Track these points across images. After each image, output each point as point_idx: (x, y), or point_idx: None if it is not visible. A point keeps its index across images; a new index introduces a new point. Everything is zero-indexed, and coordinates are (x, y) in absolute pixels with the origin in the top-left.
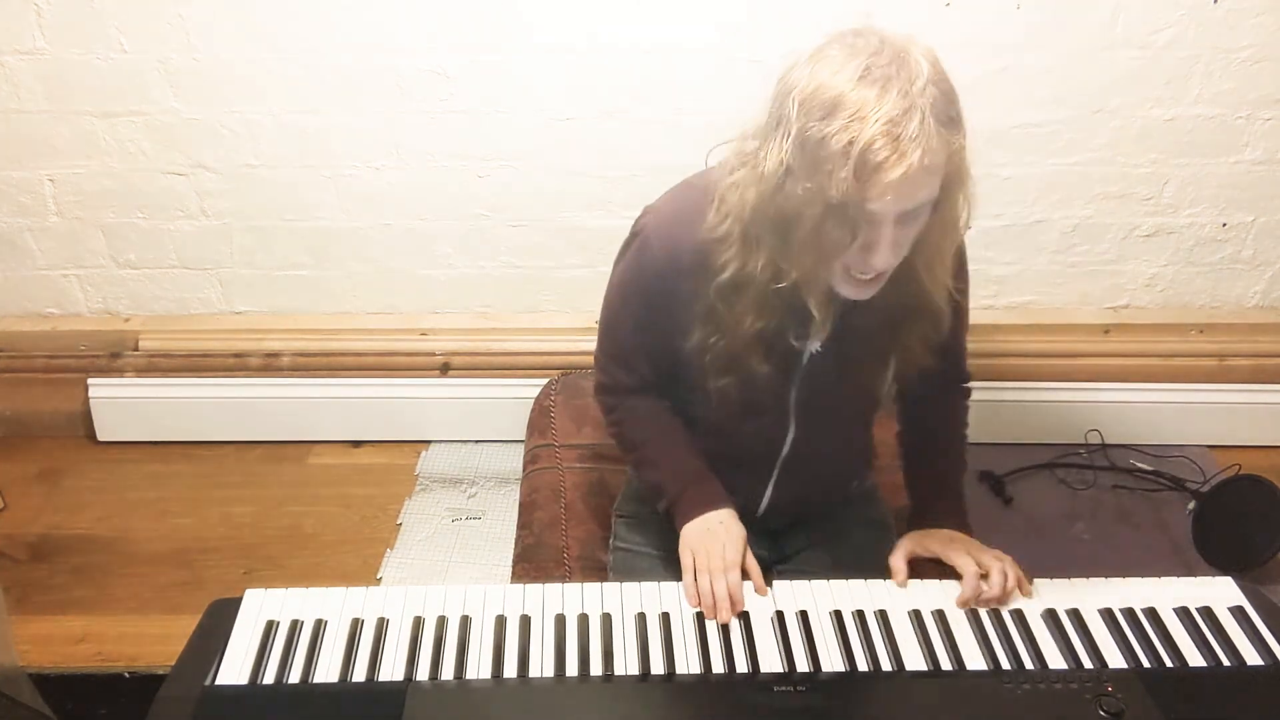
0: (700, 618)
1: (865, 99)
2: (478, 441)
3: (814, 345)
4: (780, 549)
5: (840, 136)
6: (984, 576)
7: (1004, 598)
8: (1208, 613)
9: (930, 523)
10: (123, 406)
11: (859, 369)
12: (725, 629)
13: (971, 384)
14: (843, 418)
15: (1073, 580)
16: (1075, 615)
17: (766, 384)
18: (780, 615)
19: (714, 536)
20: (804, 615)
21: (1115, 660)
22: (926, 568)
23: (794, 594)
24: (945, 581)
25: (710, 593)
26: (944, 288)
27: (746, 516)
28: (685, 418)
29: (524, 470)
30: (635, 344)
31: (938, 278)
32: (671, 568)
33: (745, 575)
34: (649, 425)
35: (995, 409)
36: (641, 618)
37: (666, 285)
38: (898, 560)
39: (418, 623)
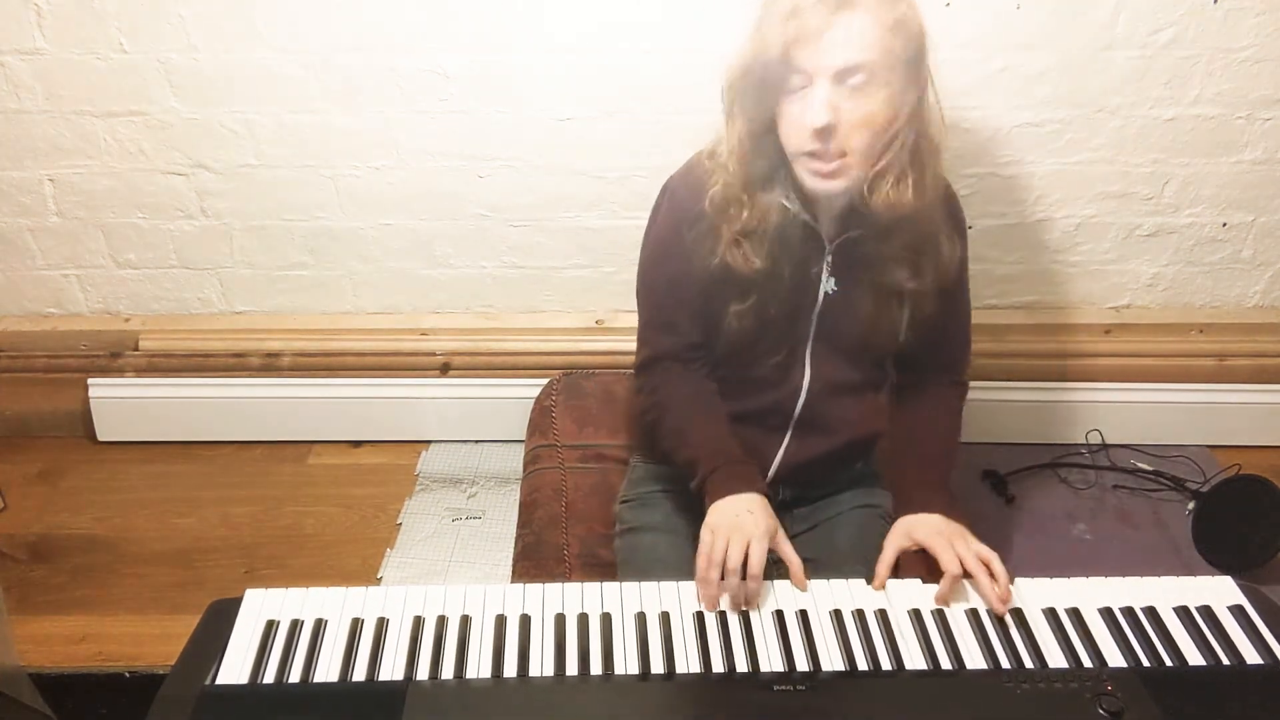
0: (700, 617)
1: None
2: (478, 441)
3: (829, 285)
4: (784, 522)
5: (773, 4)
6: (968, 577)
7: (995, 600)
8: (1207, 612)
9: (916, 507)
10: (123, 406)
11: (872, 315)
12: (725, 628)
13: (969, 382)
14: (855, 371)
15: (1073, 580)
16: (1075, 614)
17: (782, 321)
18: (780, 614)
19: (741, 527)
20: (804, 615)
21: (1115, 659)
22: (925, 567)
23: (794, 593)
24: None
25: (720, 587)
26: (939, 223)
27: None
28: (718, 392)
29: (524, 470)
30: (674, 302)
31: (930, 210)
32: (676, 547)
33: (779, 571)
34: (691, 406)
35: (996, 409)
36: (641, 617)
37: (690, 215)
38: (883, 566)
39: (418, 622)
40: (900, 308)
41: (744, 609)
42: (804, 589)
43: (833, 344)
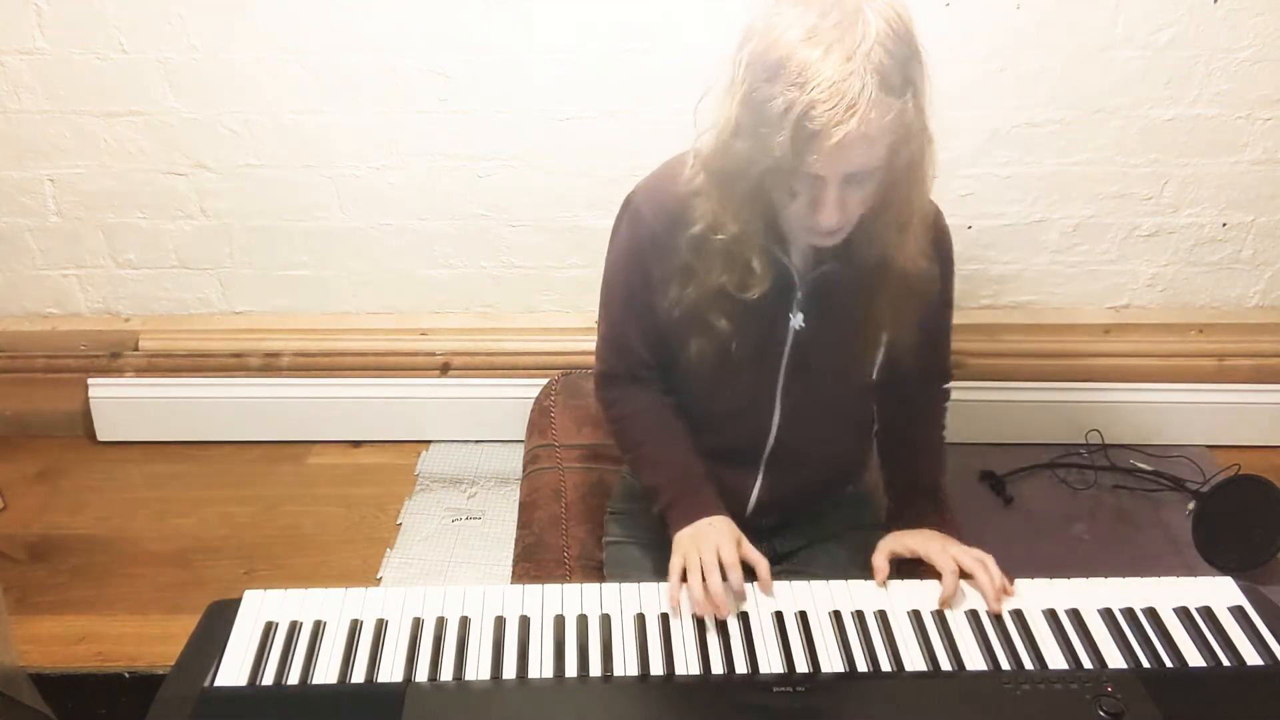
0: (700, 619)
1: (807, 61)
2: (478, 441)
3: (797, 321)
4: (774, 549)
5: (780, 101)
6: (966, 577)
7: (994, 597)
8: (1207, 613)
9: (909, 522)
10: (123, 406)
11: (845, 350)
12: (725, 630)
13: (952, 385)
14: (829, 406)
15: (1073, 580)
16: (1075, 615)
17: (750, 362)
18: (779, 616)
19: (707, 540)
20: (803, 616)
21: (1115, 660)
22: (927, 568)
23: (793, 594)
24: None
25: (702, 591)
26: (920, 254)
27: (735, 516)
28: (677, 407)
29: (524, 470)
30: (630, 321)
31: (910, 242)
32: (662, 561)
33: (749, 571)
34: (647, 423)
35: (995, 409)
36: (640, 618)
37: (658, 244)
38: (880, 559)
39: (416, 623)
40: (878, 337)
41: (736, 609)
42: (768, 591)
43: (806, 380)
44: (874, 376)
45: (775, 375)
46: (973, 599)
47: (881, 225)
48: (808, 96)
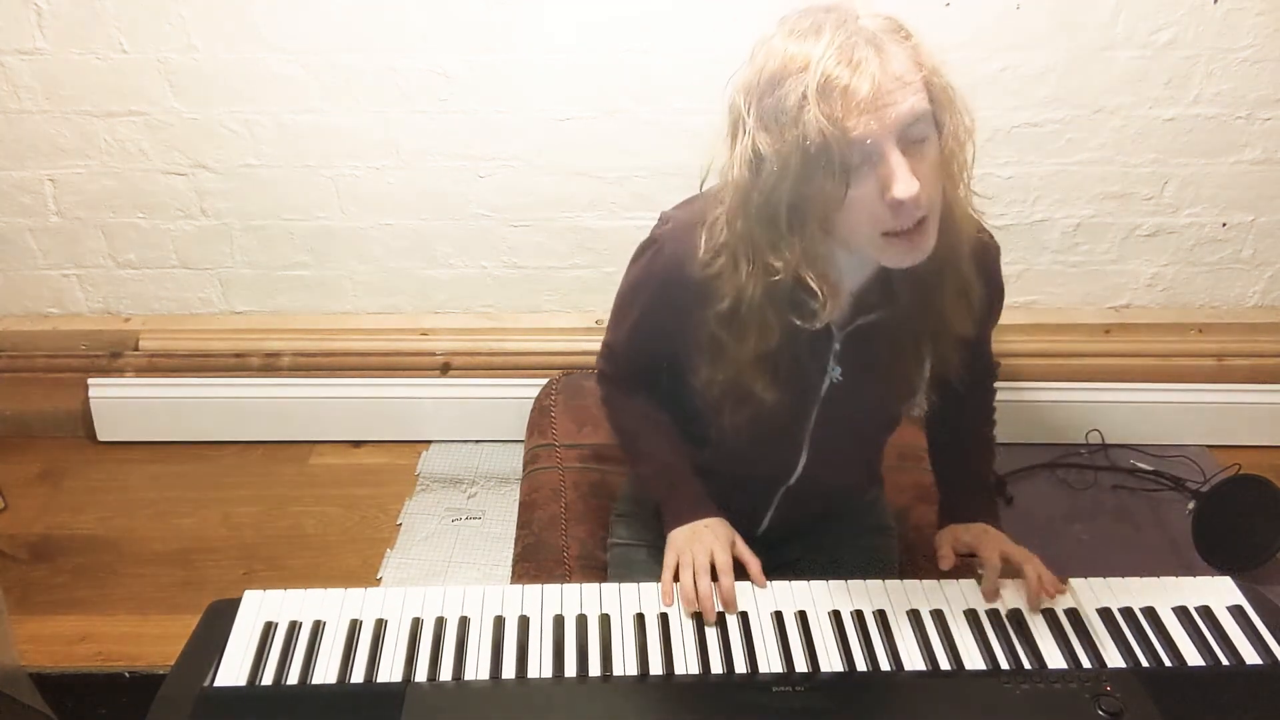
0: (699, 618)
1: (803, 50)
2: (478, 441)
3: (834, 375)
4: (780, 554)
5: (794, 92)
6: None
7: (1036, 597)
8: (1207, 613)
9: (963, 517)
10: (123, 406)
11: (882, 398)
12: (724, 630)
13: (998, 369)
14: (858, 445)
15: (1072, 580)
16: (1074, 615)
17: (782, 415)
18: (779, 615)
19: (701, 541)
20: (803, 615)
21: (1114, 660)
22: (929, 569)
23: (793, 594)
24: (944, 581)
25: (693, 590)
26: (969, 286)
27: (747, 536)
28: (691, 436)
29: (524, 470)
30: (634, 346)
31: (959, 268)
32: None
33: (743, 574)
34: (637, 420)
35: (996, 409)
36: (640, 618)
37: (672, 296)
38: (945, 547)
39: (416, 623)
40: (917, 382)
41: (722, 610)
42: (763, 586)
43: (838, 425)
44: (912, 414)
45: (806, 423)
46: (972, 600)
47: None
48: (818, 67)
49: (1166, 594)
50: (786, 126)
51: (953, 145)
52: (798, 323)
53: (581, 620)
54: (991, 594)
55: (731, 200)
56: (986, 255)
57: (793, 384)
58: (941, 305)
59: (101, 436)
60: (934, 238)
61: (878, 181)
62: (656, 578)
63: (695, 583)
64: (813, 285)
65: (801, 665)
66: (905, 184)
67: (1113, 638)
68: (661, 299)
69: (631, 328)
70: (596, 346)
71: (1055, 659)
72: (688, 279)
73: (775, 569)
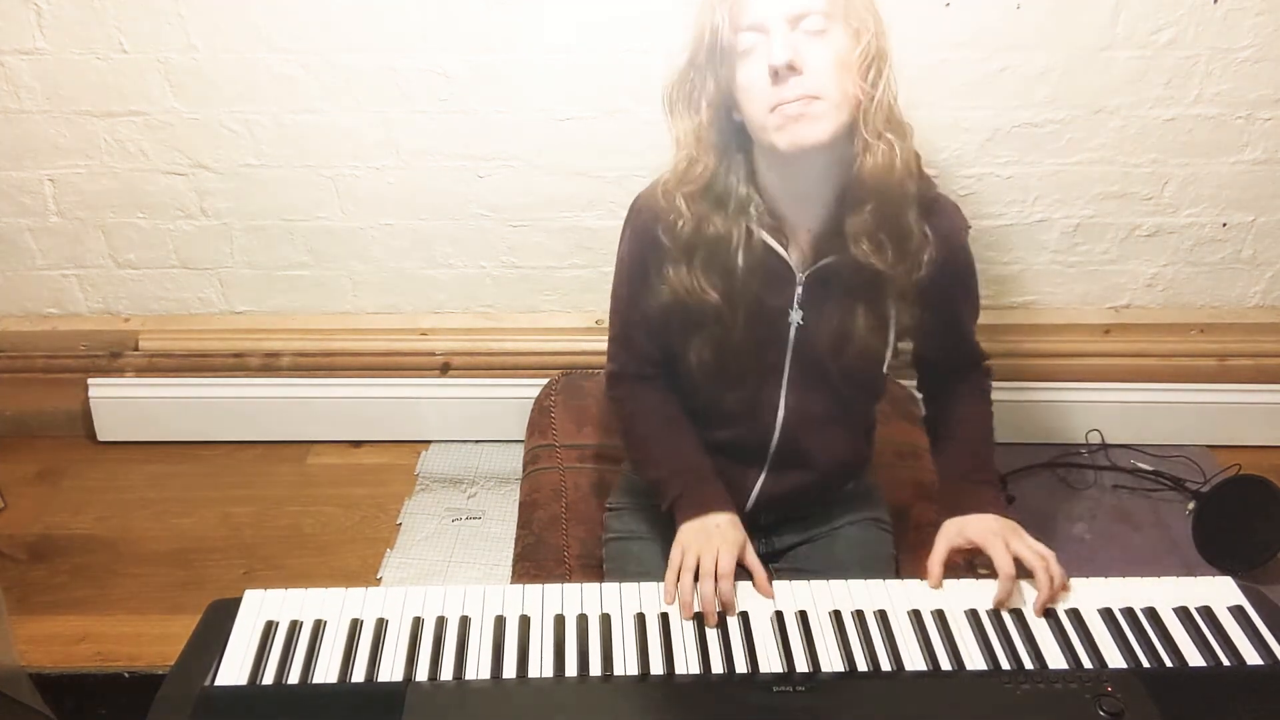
0: (699, 618)
1: None
2: (478, 441)
3: (796, 318)
4: (772, 545)
5: (706, 9)
6: (1024, 575)
7: (1049, 599)
8: (1207, 613)
9: (966, 507)
10: (123, 406)
11: (849, 347)
12: (724, 630)
13: (990, 363)
14: (835, 406)
15: (1073, 580)
16: (1075, 615)
17: (751, 357)
18: (779, 615)
19: (709, 539)
20: (803, 615)
21: (1115, 660)
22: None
23: (793, 594)
24: (947, 581)
25: (691, 596)
26: (915, 210)
27: (737, 510)
28: (684, 405)
29: (524, 470)
30: (636, 321)
31: (910, 162)
32: (661, 556)
33: (748, 575)
34: (655, 420)
35: (996, 409)
36: (641, 618)
37: (650, 249)
38: (936, 564)
39: (417, 623)
40: (883, 332)
41: (720, 612)
42: (769, 596)
43: (811, 378)
44: (884, 371)
45: (779, 374)
46: (972, 600)
47: (889, 156)
48: None
49: (1167, 594)
50: (700, 33)
51: (853, 43)
52: (759, 250)
53: (582, 620)
54: (1004, 602)
55: (680, 141)
56: (942, 217)
57: (759, 323)
58: (883, 247)
59: (101, 436)
60: (830, 126)
61: (760, 57)
62: (652, 569)
63: (698, 587)
64: (750, 193)
65: (802, 665)
66: (776, 53)
67: (1114, 638)
68: (650, 248)
69: (628, 303)
70: (596, 346)
71: (1056, 659)
72: (658, 226)
73: (769, 556)
